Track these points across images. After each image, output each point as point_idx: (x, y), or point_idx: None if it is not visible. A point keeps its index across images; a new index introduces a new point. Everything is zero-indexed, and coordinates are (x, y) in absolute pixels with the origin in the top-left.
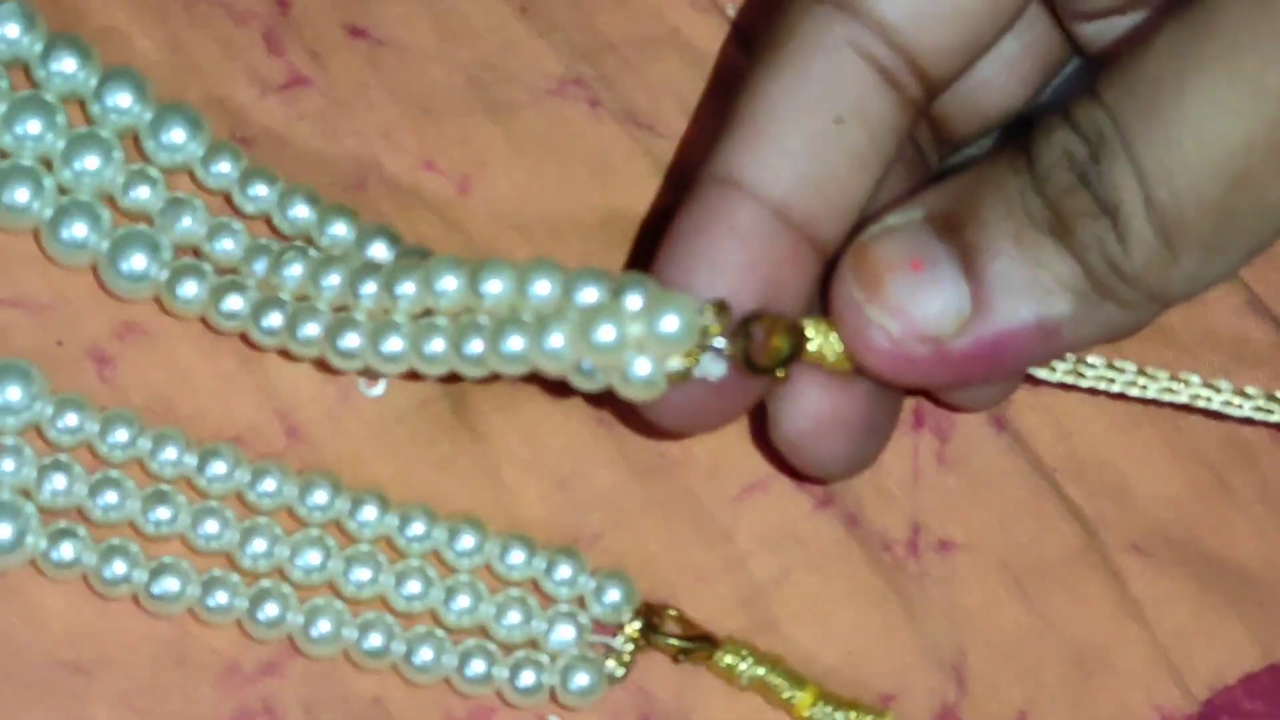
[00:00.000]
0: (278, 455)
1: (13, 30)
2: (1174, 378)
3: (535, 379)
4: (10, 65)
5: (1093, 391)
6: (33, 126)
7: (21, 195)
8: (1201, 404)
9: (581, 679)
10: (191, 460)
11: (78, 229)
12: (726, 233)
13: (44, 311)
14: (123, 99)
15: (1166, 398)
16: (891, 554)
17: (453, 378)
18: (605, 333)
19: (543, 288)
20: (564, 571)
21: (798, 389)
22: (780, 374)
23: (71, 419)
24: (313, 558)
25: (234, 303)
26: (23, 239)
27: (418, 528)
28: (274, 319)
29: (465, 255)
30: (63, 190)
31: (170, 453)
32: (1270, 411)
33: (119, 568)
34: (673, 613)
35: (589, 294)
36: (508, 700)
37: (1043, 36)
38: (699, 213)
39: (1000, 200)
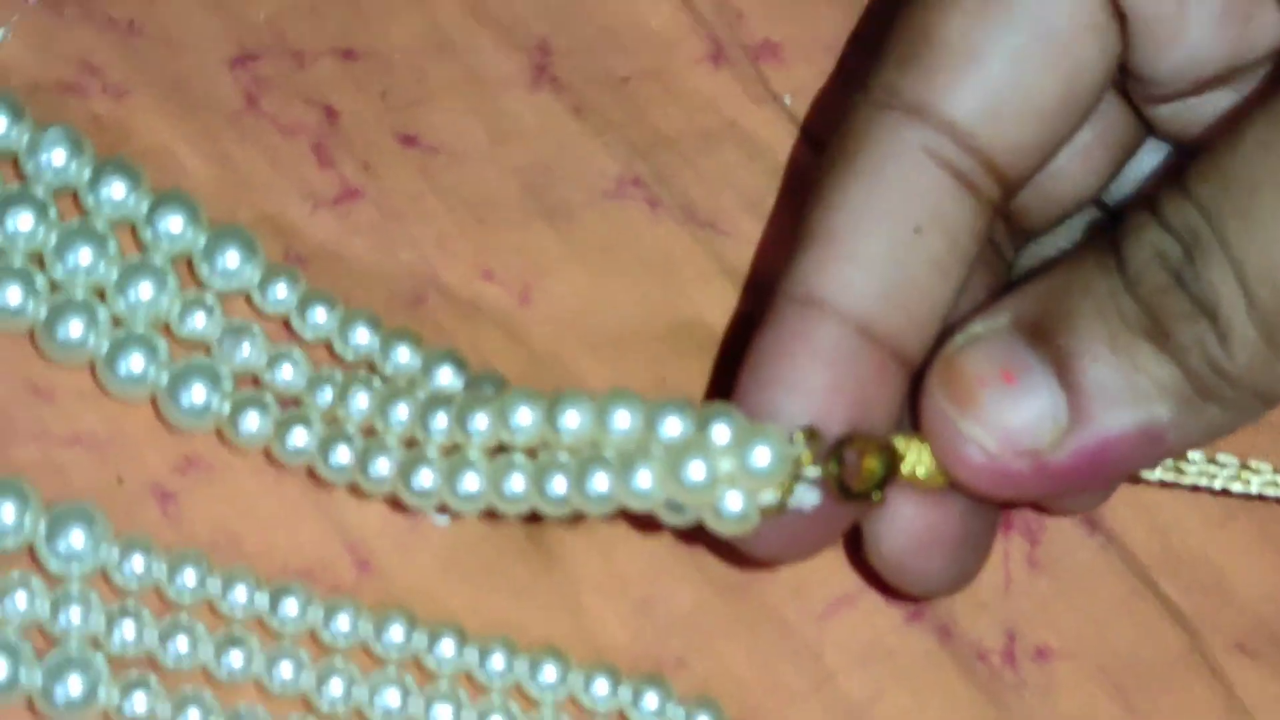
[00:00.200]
0: (349, 589)
1: (59, 156)
2: (1279, 470)
3: None
4: (59, 192)
5: (1194, 488)
6: (84, 257)
7: (76, 329)
8: None
9: None
10: (263, 600)
11: (135, 362)
12: (810, 354)
13: (103, 448)
14: (174, 223)
15: (1270, 492)
16: (987, 664)
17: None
18: (695, 470)
19: (623, 420)
20: (651, 701)
21: (893, 507)
22: (876, 498)
23: (138, 562)
24: (391, 697)
25: (299, 437)
26: (78, 373)
27: (498, 661)
28: (342, 454)
29: (528, 369)
30: (117, 321)
31: (240, 593)
32: None
33: (193, 718)
34: None
35: (673, 425)
36: None
37: (1116, 121)
38: (780, 334)
39: (1091, 303)
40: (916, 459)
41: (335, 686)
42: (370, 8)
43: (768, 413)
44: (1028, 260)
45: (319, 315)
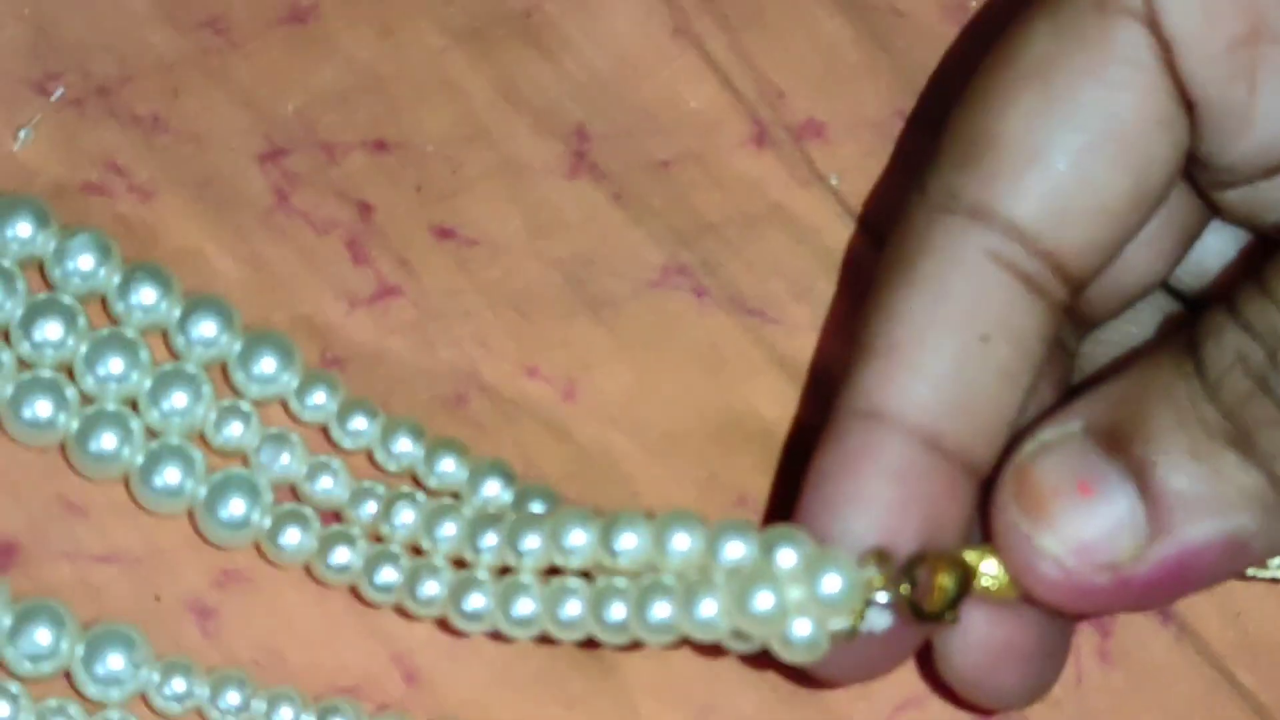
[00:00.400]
0: (397, 704)
1: (87, 262)
2: None
3: None
4: (87, 299)
5: (1275, 581)
6: (115, 366)
7: (109, 442)
8: None
9: None
10: None
11: (170, 475)
12: (876, 470)
13: (139, 565)
14: (208, 329)
15: None
16: None
17: None
18: (763, 600)
19: (683, 543)
20: None
21: (964, 620)
22: (950, 618)
23: (179, 684)
24: None
25: (342, 555)
26: (113, 488)
27: None
28: (387, 574)
29: (575, 467)
30: (151, 432)
31: (286, 713)
32: None
33: None
34: None
35: (735, 549)
36: None
37: (1181, 206)
38: (844, 450)
39: (1170, 410)
40: (988, 572)
41: None
42: (401, 98)
43: (834, 533)
44: (1090, 348)
45: (359, 423)
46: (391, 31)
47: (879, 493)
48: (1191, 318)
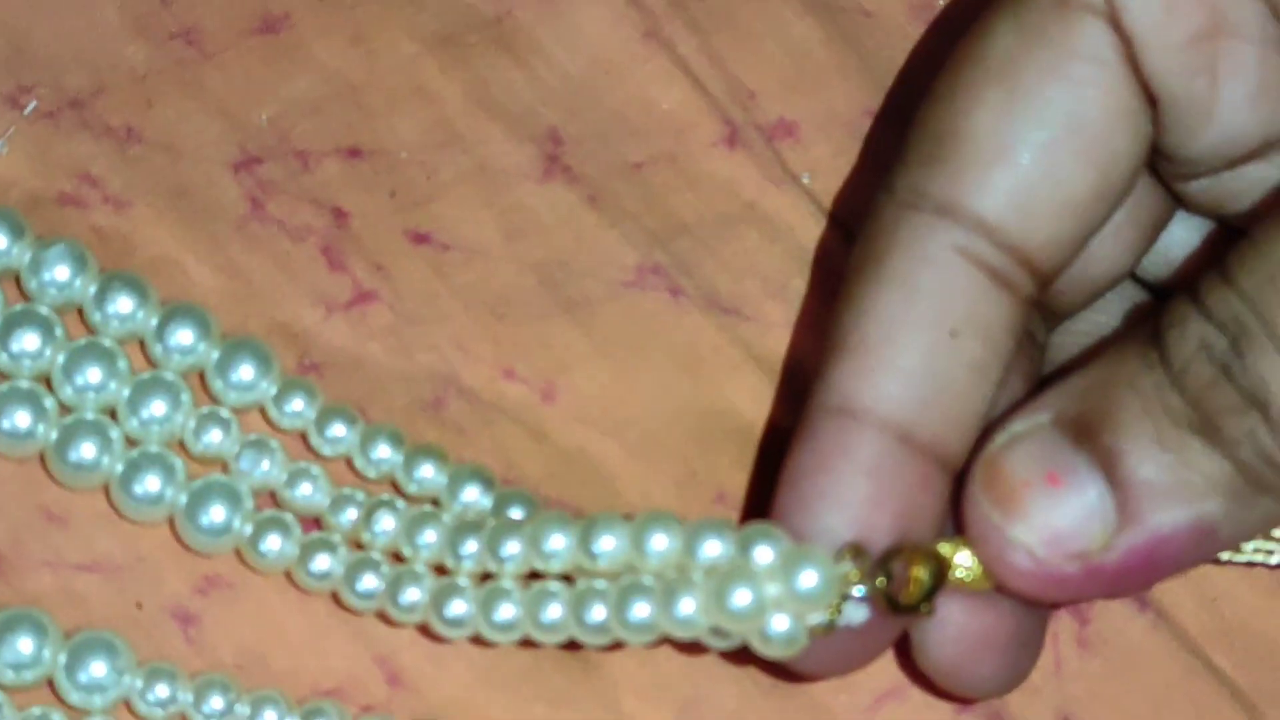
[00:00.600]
0: (381, 706)
1: (63, 273)
2: None
3: None
4: (63, 310)
5: (1250, 565)
6: (93, 375)
7: (88, 451)
8: None
9: None
10: None
11: (150, 482)
12: (850, 466)
13: (120, 573)
14: (185, 337)
15: None
16: None
17: None
18: (741, 597)
19: (661, 543)
20: None
21: (940, 612)
22: (926, 610)
23: (162, 690)
24: None
25: (323, 562)
26: (93, 497)
27: None
28: (368, 581)
29: (554, 468)
30: (131, 441)
31: (270, 717)
32: None
33: None
34: None
35: (713, 548)
36: None
37: (1146, 198)
38: (818, 447)
39: (1136, 399)
40: (962, 563)
41: None
42: (374, 104)
43: (810, 529)
44: (1060, 339)
45: (338, 430)
46: (363, 39)
47: (853, 488)
48: (1158, 307)
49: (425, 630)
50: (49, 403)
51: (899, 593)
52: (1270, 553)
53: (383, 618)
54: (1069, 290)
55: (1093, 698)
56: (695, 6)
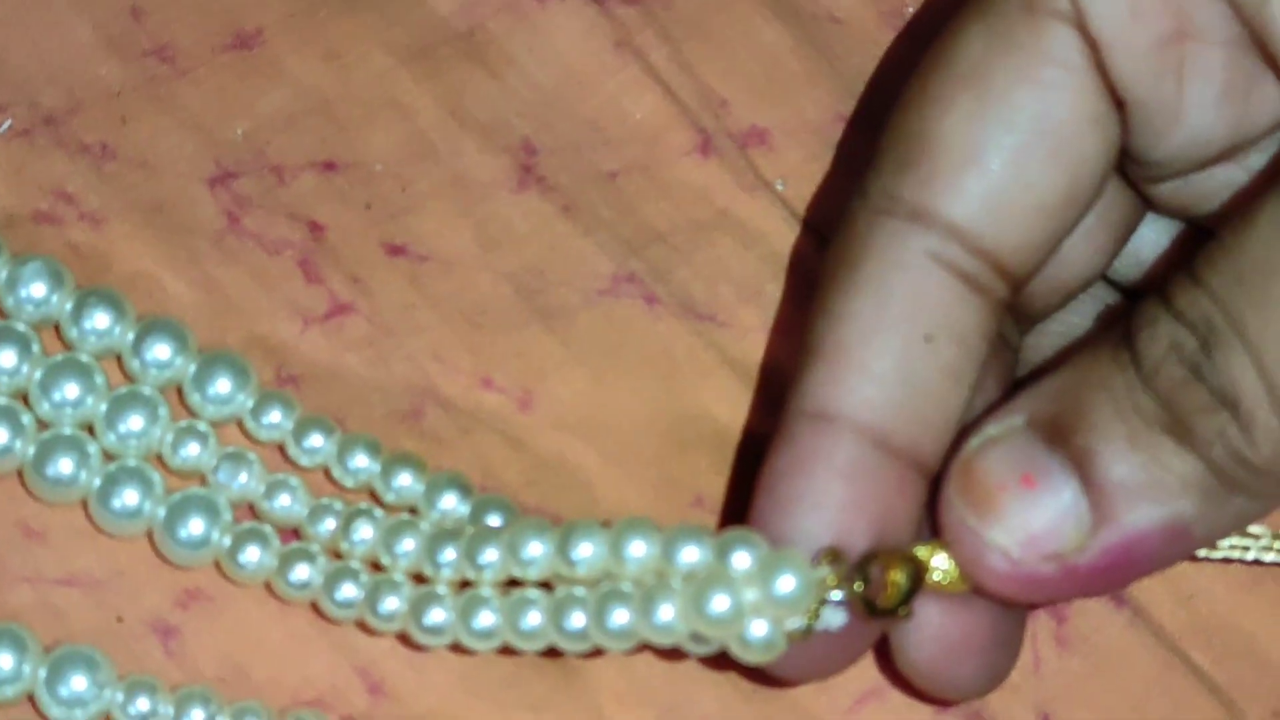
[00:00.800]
0: (363, 716)
1: (39, 289)
2: None
3: None
4: (40, 326)
5: (1226, 561)
6: (70, 391)
7: (66, 466)
8: None
9: None
10: None
11: (129, 496)
12: (827, 471)
13: (100, 587)
14: (162, 351)
15: None
16: None
17: None
18: (719, 603)
19: (638, 549)
20: None
21: (919, 614)
22: (904, 614)
23: (143, 703)
24: None
25: (302, 572)
26: (71, 511)
27: None
28: (347, 590)
29: (533, 475)
30: (109, 455)
31: None
32: None
33: None
34: None
35: (690, 554)
36: None
37: (1116, 201)
38: (795, 452)
39: (1108, 400)
40: (938, 566)
41: None
42: (349, 118)
43: (787, 534)
44: (1034, 340)
45: (316, 441)
46: (337, 54)
47: (830, 493)
48: (1129, 308)
49: (405, 639)
50: (26, 418)
51: (876, 596)
52: (1246, 549)
53: (362, 627)
54: (1041, 293)
55: (1072, 696)
56: (665, 16)
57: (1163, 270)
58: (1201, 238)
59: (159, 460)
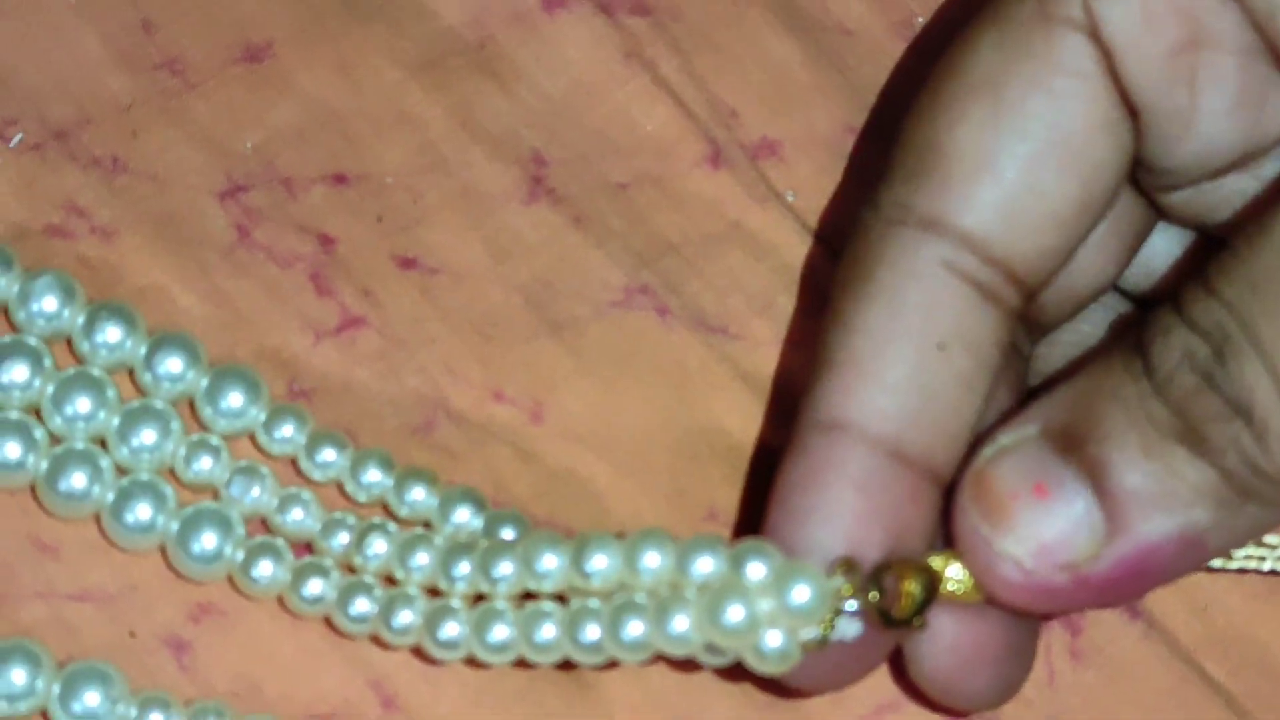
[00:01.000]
0: None
1: (51, 303)
2: None
3: None
4: (52, 340)
5: (1242, 571)
6: (83, 405)
7: (79, 481)
8: None
9: None
10: None
11: (142, 511)
12: (841, 481)
13: (113, 602)
14: (174, 365)
15: None
16: None
17: None
18: (734, 613)
19: (653, 560)
20: None
21: (933, 624)
22: (918, 624)
23: (156, 718)
24: None
25: (315, 586)
26: (84, 526)
27: None
28: (361, 605)
29: (544, 488)
30: (121, 470)
31: None
32: None
33: None
34: None
35: (705, 564)
36: None
37: (1128, 210)
38: (808, 462)
39: (1121, 409)
40: (952, 576)
41: None
42: (359, 131)
43: (802, 544)
44: (1046, 350)
45: (328, 455)
46: (347, 67)
47: (844, 503)
48: (1142, 318)
49: (419, 653)
50: (39, 433)
51: (891, 606)
52: (1262, 559)
53: (376, 641)
54: (1054, 302)
55: (1086, 708)
56: (676, 27)
57: (1175, 280)
58: (1214, 247)
59: (171, 474)
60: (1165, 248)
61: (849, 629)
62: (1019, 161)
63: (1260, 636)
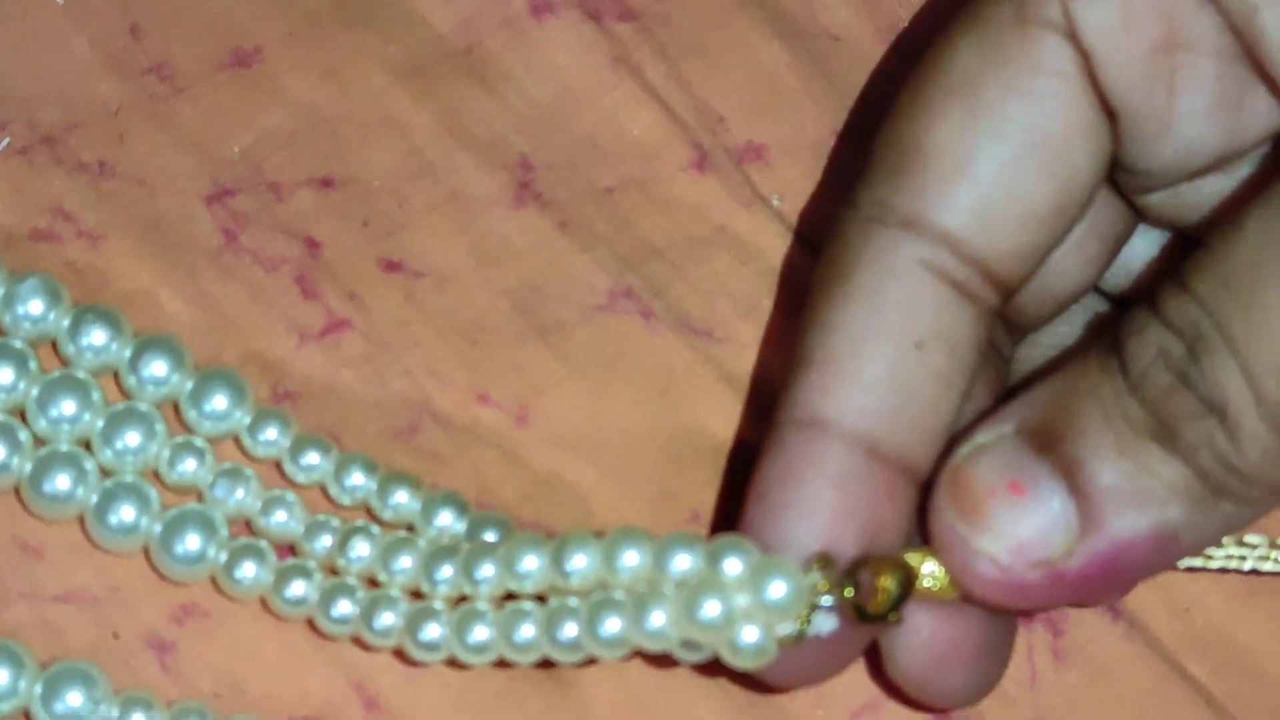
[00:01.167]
0: None
1: (36, 306)
2: None
3: None
4: (37, 343)
5: (1223, 571)
6: (68, 407)
7: (63, 482)
8: None
9: None
10: None
11: (125, 512)
12: (818, 478)
13: (97, 603)
14: (159, 368)
15: None
16: None
17: None
18: (710, 608)
19: (632, 559)
20: None
21: (909, 621)
22: (894, 619)
23: (139, 719)
24: None
25: (298, 588)
26: (68, 528)
27: None
28: (343, 606)
29: (530, 491)
30: (105, 472)
31: None
32: None
33: None
34: None
35: (682, 561)
36: None
37: (1107, 211)
38: (785, 459)
39: (1096, 408)
40: (929, 573)
41: None
42: (346, 135)
43: (778, 540)
44: (1026, 351)
45: (312, 458)
46: (335, 72)
47: (821, 500)
48: (1119, 317)
49: (401, 654)
50: (24, 435)
51: (867, 602)
52: (1243, 558)
53: (358, 643)
54: (1033, 304)
55: (1069, 709)
56: (663, 33)
57: (1153, 280)
58: (1189, 247)
59: (155, 476)
60: (1144, 249)
61: (825, 624)
62: (997, 162)
63: (1241, 637)
